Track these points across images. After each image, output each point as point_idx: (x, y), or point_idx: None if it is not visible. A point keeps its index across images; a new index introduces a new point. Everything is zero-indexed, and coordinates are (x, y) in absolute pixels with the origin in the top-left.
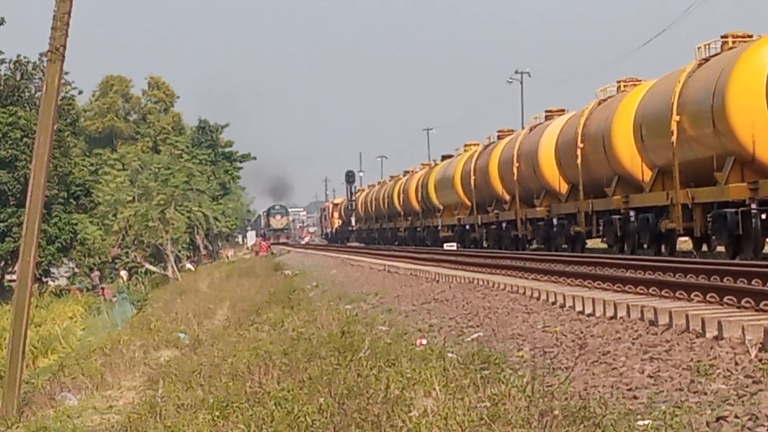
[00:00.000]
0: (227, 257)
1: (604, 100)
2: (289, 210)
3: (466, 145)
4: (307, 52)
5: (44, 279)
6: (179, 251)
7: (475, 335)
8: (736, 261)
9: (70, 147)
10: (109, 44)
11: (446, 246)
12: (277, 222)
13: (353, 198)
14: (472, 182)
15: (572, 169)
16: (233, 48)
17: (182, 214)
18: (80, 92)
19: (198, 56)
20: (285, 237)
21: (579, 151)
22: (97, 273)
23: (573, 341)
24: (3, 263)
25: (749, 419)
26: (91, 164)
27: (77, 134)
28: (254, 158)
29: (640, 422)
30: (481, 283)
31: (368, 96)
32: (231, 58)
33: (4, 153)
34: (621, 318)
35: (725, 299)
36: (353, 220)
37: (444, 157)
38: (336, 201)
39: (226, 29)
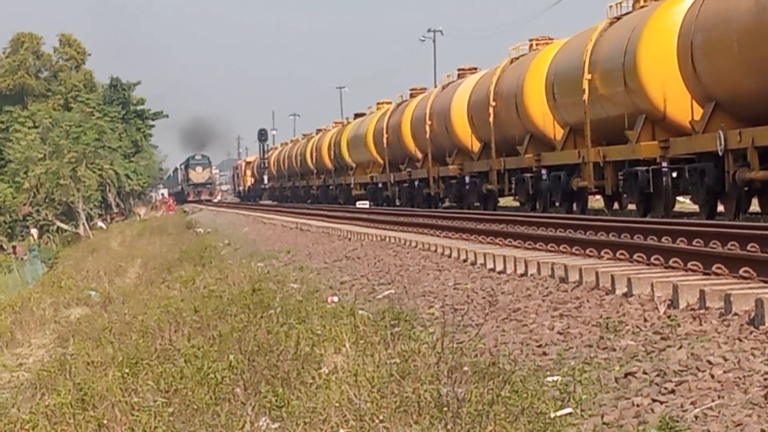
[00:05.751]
0: (139, 215)
1: (517, 58)
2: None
3: (378, 104)
4: (219, 3)
5: None
6: (91, 209)
7: (387, 292)
8: (647, 219)
9: None
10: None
11: (359, 204)
12: (198, 175)
13: (266, 156)
14: (385, 140)
15: (484, 128)
16: None
17: (94, 172)
18: None
19: (109, 5)
20: (208, 194)
21: (491, 110)
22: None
23: (483, 298)
24: None
25: (657, 375)
26: (2, 122)
27: None
28: (166, 116)
29: (550, 378)
30: (393, 240)
31: (280, 54)
32: (144, 7)
33: None
34: (531, 275)
35: (635, 256)
36: (266, 178)
37: (357, 116)
38: (248, 159)
39: None
